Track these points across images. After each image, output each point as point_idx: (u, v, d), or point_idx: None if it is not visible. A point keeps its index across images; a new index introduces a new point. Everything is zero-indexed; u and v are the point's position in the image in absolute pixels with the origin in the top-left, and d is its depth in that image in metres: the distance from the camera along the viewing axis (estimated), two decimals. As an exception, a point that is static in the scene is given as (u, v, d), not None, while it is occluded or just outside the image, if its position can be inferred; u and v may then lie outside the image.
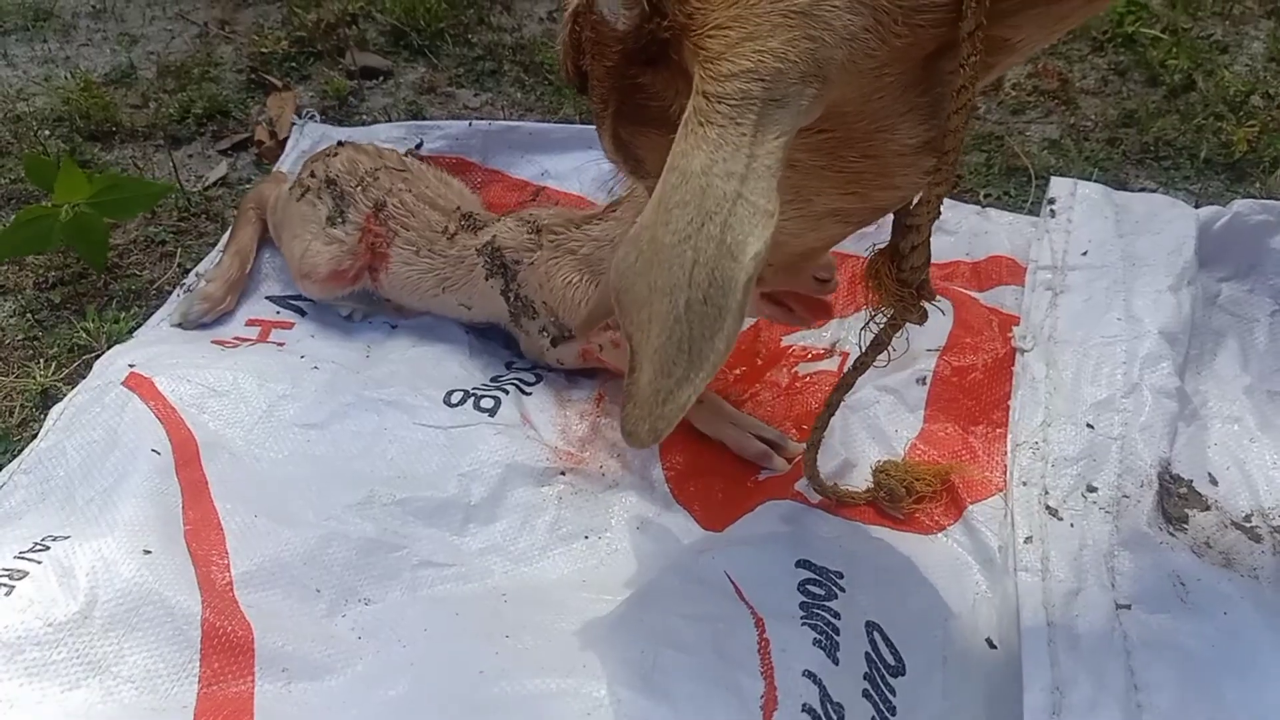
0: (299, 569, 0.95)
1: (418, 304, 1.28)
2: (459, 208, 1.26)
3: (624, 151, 0.73)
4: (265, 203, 1.37)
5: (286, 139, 1.61)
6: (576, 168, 1.48)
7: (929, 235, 0.79)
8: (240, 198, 1.54)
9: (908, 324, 0.87)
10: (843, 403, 1.12)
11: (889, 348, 0.90)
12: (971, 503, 1.02)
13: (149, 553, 0.90)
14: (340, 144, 1.35)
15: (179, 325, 1.28)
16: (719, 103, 0.58)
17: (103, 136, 1.69)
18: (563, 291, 1.17)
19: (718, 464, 1.12)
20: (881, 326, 0.88)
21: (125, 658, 0.84)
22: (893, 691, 0.83)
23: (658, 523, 1.06)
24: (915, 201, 0.76)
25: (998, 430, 1.09)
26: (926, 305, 0.84)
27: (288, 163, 1.54)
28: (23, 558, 0.87)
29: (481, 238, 1.21)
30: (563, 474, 1.10)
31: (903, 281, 0.81)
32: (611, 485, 1.10)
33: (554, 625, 0.88)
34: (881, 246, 0.82)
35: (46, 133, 1.67)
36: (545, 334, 1.20)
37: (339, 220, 1.26)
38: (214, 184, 1.59)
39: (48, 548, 0.89)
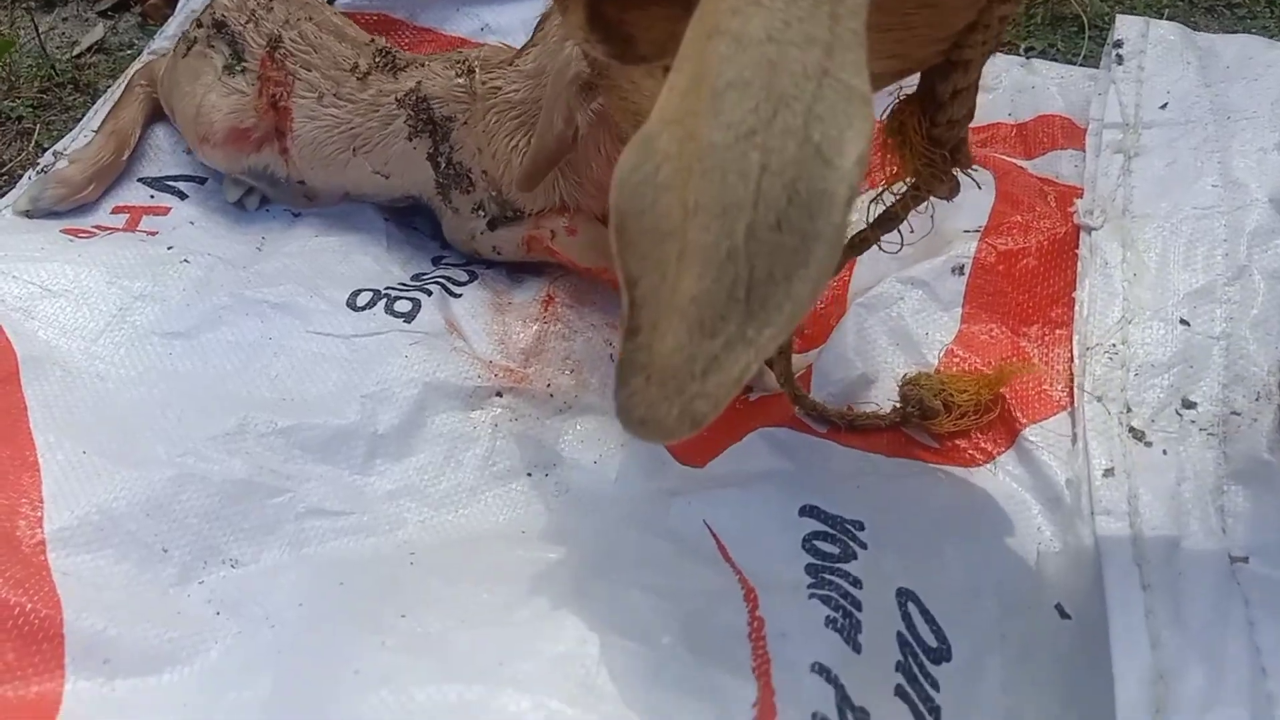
0: (140, 522, 0.72)
1: (328, 177, 1.01)
2: (373, 40, 0.99)
3: (605, 31, 0.52)
4: (156, 77, 1.11)
5: (177, -3, 1.32)
6: (524, 20, 1.20)
7: (979, 76, 0.57)
8: (118, 65, 1.26)
9: (932, 198, 0.65)
10: (855, 300, 0.88)
11: (898, 228, 0.67)
12: (1028, 424, 0.78)
13: (-79, 505, 0.66)
14: None
15: (25, 213, 1.02)
16: None
17: (-37, -3, 1.41)
18: (507, 156, 0.91)
19: (699, 379, 0.88)
20: (897, 197, 0.64)
21: (-123, 650, 0.61)
22: (935, 685, 0.60)
23: (620, 454, 0.83)
24: (966, 26, 0.54)
25: (1059, 330, 0.85)
26: (960, 175, 0.63)
27: (175, 25, 1.26)
28: None
29: (403, 83, 0.94)
30: (499, 395, 0.86)
31: (935, 140, 0.60)
32: (562, 409, 0.86)
33: (468, 601, 0.64)
34: (910, 93, 0.60)
35: (-105, -9, 1.39)
36: (481, 213, 0.94)
37: (237, 68, 0.99)
38: (87, 50, 1.31)
39: None
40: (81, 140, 1.11)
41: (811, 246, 0.40)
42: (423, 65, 0.95)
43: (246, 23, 1.00)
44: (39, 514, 0.70)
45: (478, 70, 0.91)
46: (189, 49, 1.03)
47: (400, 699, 0.53)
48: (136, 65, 1.17)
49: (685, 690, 0.53)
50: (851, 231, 0.70)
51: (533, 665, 0.55)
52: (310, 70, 0.97)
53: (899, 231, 0.68)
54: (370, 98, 0.95)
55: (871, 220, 0.68)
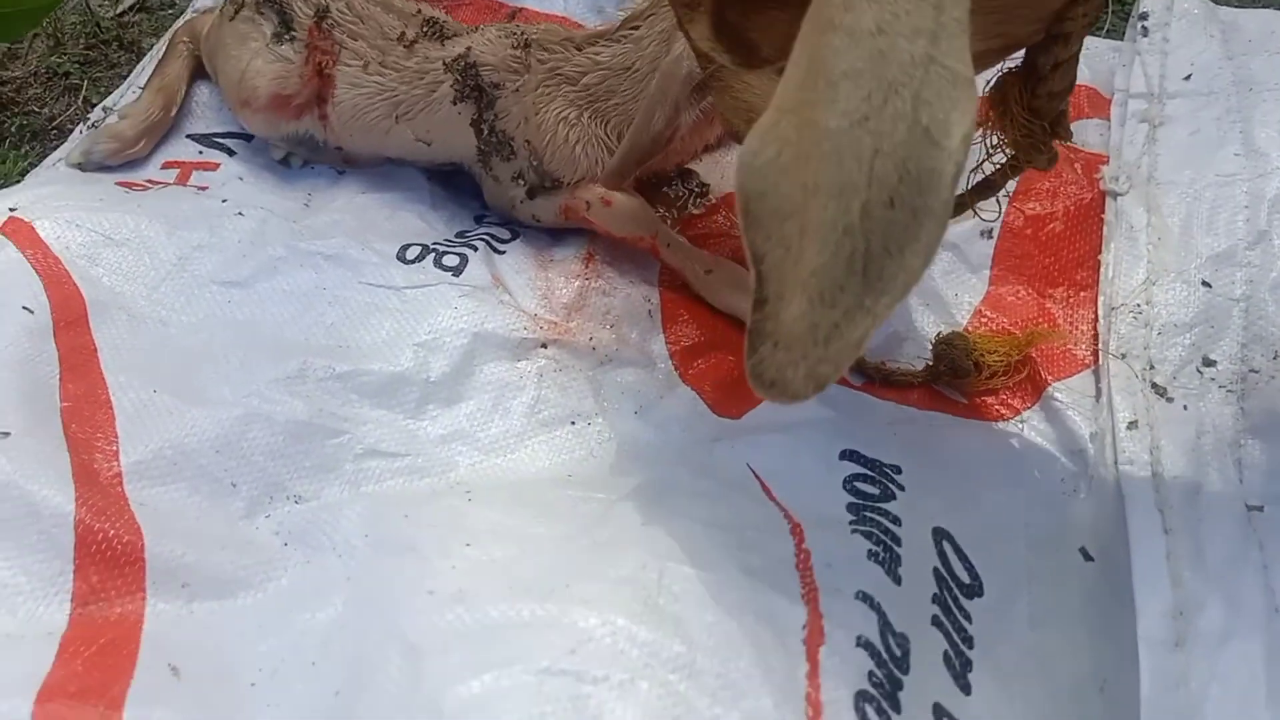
0: (210, 458, 0.75)
1: (368, 144, 1.04)
2: (420, 11, 1.01)
3: (729, 39, 0.56)
4: (200, 35, 1.13)
5: (219, -43, 1.34)
6: (562, -7, 1.23)
7: (1079, 49, 0.60)
8: (160, 24, 1.29)
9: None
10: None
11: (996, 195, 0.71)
12: (1054, 381, 0.82)
13: (8, 435, 0.70)
14: None
15: (78, 166, 1.05)
16: None
17: (2, -43, 1.43)
18: (554, 129, 0.93)
19: (732, 337, 0.92)
20: (997, 167, 0.67)
21: (-27, 569, 0.65)
22: (968, 617, 0.64)
23: (660, 406, 0.86)
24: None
25: (1083, 293, 0.88)
26: (1060, 146, 0.66)
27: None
28: None
29: (451, 49, 0.97)
30: (544, 346, 0.89)
31: (1035, 111, 0.63)
32: (603, 361, 0.90)
33: (529, 531, 0.68)
34: (1013, 67, 0.63)
35: (-67, -51, 1.40)
36: (521, 182, 0.97)
37: (285, 37, 1.02)
38: (130, 8, 1.33)
39: (-128, 428, 0.68)
40: (130, 96, 1.14)
41: (922, 221, 0.43)
42: (473, 33, 0.98)
43: None
44: (114, 448, 0.74)
45: (534, 45, 0.93)
46: (237, 11, 1.05)
47: (475, 615, 0.57)
48: (180, 23, 1.19)
49: (741, 613, 0.57)
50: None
51: (597, 587, 0.58)
52: (356, 39, 0.99)
53: (995, 200, 0.71)
54: (416, 65, 0.97)
55: (970, 187, 0.71)
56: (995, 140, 0.67)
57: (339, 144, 1.04)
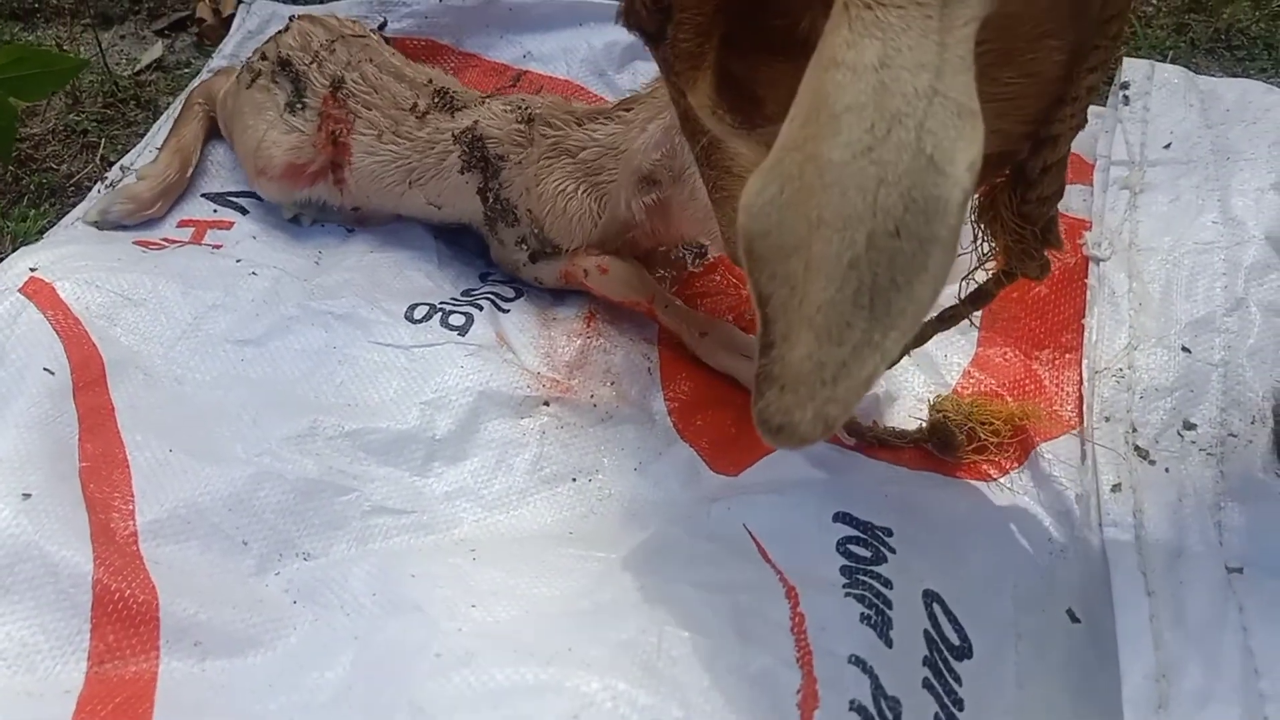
0: (222, 515, 0.78)
1: (384, 204, 1.08)
2: (431, 81, 1.05)
3: (732, 94, 0.56)
4: (215, 97, 1.17)
5: (231, 17, 1.39)
6: (564, 48, 1.27)
7: (1068, 152, 0.60)
8: (177, 83, 1.33)
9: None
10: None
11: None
12: (1041, 442, 0.84)
13: (29, 496, 0.72)
14: (292, 18, 1.14)
15: (95, 224, 1.08)
16: None
17: (24, 14, 1.47)
18: (552, 200, 0.97)
19: (729, 395, 0.94)
20: (990, 275, 0.70)
21: (-6, 628, 0.67)
22: (958, 679, 0.66)
23: (659, 462, 0.89)
24: (1054, 102, 0.58)
25: (1068, 355, 0.91)
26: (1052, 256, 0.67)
27: (231, 45, 1.33)
28: None
29: (460, 121, 1.01)
30: (546, 404, 0.92)
31: (1025, 217, 0.63)
32: (604, 418, 0.92)
33: (532, 592, 0.70)
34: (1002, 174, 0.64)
35: (-42, 10, 1.45)
36: (524, 246, 1.00)
37: (298, 106, 1.06)
38: (147, 67, 1.37)
39: (-103, 491, 0.71)
40: (147, 156, 1.17)
41: (929, 250, 0.43)
42: (481, 104, 1.02)
43: (310, 63, 1.06)
44: (130, 507, 0.77)
45: (536, 120, 0.98)
46: (253, 80, 1.09)
47: (481, 679, 0.59)
48: (195, 84, 1.23)
49: (738, 676, 0.59)
50: (944, 306, 0.76)
51: (599, 651, 0.60)
52: (371, 109, 1.03)
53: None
54: (427, 135, 1.01)
55: (964, 297, 0.74)
56: (987, 249, 0.68)
57: (355, 205, 1.07)
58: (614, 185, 0.93)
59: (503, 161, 0.99)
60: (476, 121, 1.00)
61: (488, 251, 1.09)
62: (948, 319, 0.76)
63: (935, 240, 0.43)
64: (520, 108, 1.00)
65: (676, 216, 0.92)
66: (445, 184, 1.02)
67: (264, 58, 1.10)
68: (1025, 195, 0.61)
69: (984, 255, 0.69)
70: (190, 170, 1.14)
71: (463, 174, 1.00)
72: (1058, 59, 0.52)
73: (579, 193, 0.95)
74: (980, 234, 0.67)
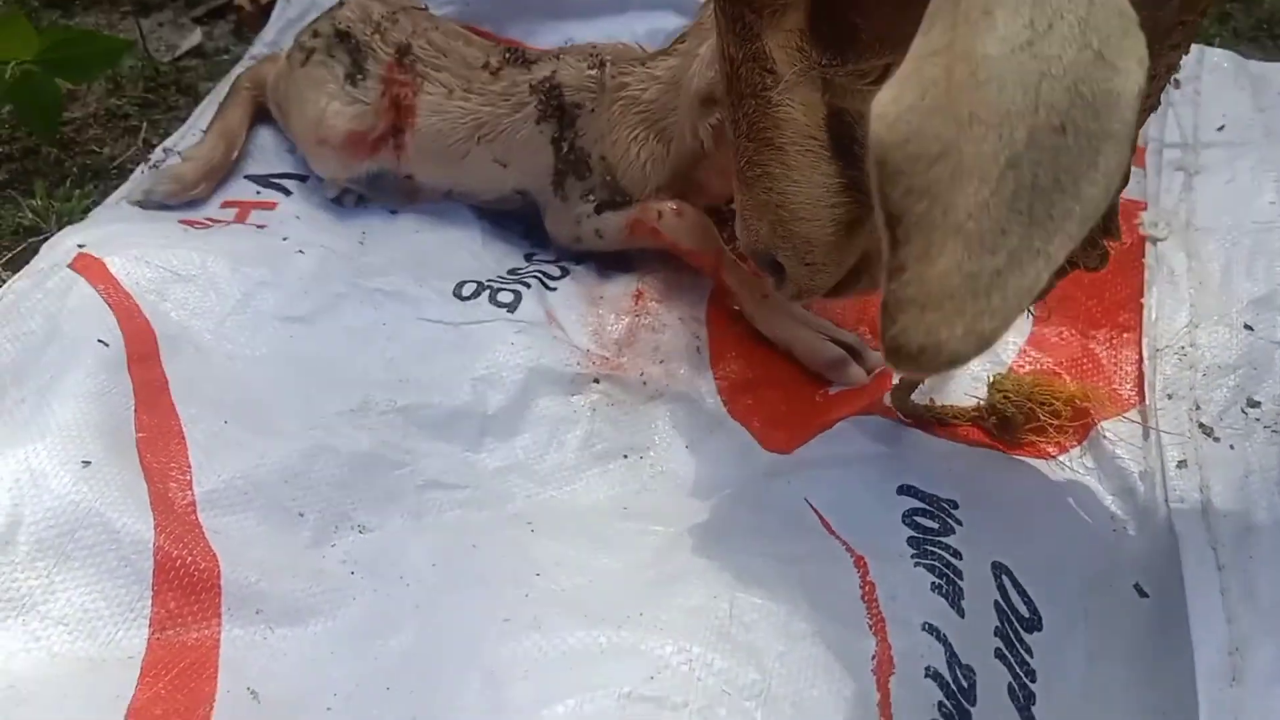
0: (278, 488, 0.77)
1: (442, 171, 1.07)
2: (498, 43, 1.05)
3: (826, 27, 0.53)
4: (263, 82, 1.17)
5: (271, 5, 1.39)
6: (607, 35, 1.25)
7: (1137, 138, 0.56)
8: (216, 69, 1.33)
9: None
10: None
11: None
12: (1101, 420, 0.83)
13: (89, 464, 0.72)
14: (343, 1, 1.14)
15: (139, 204, 1.08)
16: None
17: (63, 2, 1.48)
18: (626, 146, 0.97)
19: (777, 374, 0.94)
20: None
21: (56, 594, 0.66)
22: (1029, 651, 0.65)
23: (710, 441, 0.88)
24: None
25: (1125, 334, 0.90)
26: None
27: (272, 33, 1.33)
28: (-72, 468, 0.69)
29: (536, 73, 1.01)
30: (596, 381, 0.91)
31: None
32: (654, 396, 0.92)
33: (594, 563, 0.70)
34: None
35: (-2, -4, 1.46)
36: (590, 198, 0.99)
37: (359, 76, 1.05)
38: (186, 54, 1.38)
39: (-40, 456, 0.70)
40: (190, 140, 1.17)
41: (1100, 146, 0.40)
42: (556, 57, 1.02)
43: (372, 33, 1.06)
44: (188, 477, 0.76)
45: (609, 64, 0.98)
46: (308, 58, 1.09)
47: (553, 642, 0.58)
48: (239, 69, 1.23)
49: (811, 642, 0.58)
50: None
51: (670, 615, 0.60)
52: (440, 70, 1.03)
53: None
54: (502, 89, 1.01)
55: None
56: None
57: (411, 172, 1.07)
58: (677, 119, 0.92)
59: (578, 109, 0.98)
60: (554, 71, 1.00)
61: (532, 233, 1.08)
62: None
63: (1108, 135, 0.40)
64: (592, 55, 1.00)
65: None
66: (517, 137, 1.01)
67: (316, 35, 1.09)
68: None
69: None
70: (235, 153, 1.14)
71: (539, 124, 1.00)
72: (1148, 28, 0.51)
73: (650, 138, 0.95)
74: None
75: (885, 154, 0.43)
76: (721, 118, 0.85)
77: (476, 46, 1.05)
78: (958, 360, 0.41)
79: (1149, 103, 0.55)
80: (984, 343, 0.41)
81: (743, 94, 0.62)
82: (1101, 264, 0.66)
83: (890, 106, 0.43)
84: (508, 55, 1.03)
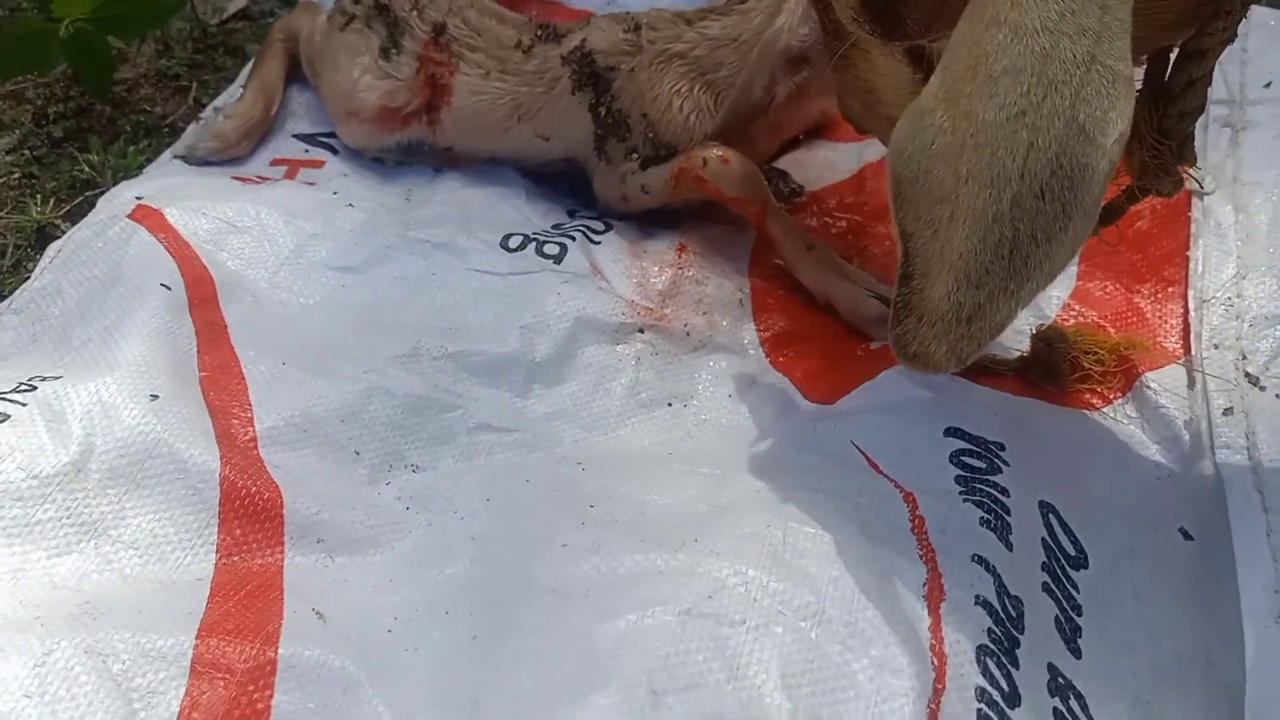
0: (335, 426, 0.79)
1: (483, 145, 1.08)
2: (531, 18, 1.06)
3: (875, 9, 0.58)
4: (296, 34, 1.18)
5: (314, -31, 1.41)
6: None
7: (1213, 67, 0.61)
8: (263, 31, 1.35)
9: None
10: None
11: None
12: (1145, 371, 0.84)
13: (156, 397, 0.74)
14: None
15: (183, 158, 1.10)
16: None
17: (110, -32, 1.50)
18: (668, 100, 0.98)
19: (820, 327, 0.95)
20: (1122, 191, 0.70)
21: (127, 519, 0.69)
22: (1075, 587, 0.66)
23: (753, 390, 0.89)
24: (1208, 15, 0.57)
25: (1170, 288, 0.90)
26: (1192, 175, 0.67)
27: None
28: (3, 399, 0.72)
29: (566, 45, 1.02)
30: (641, 331, 0.93)
31: (1163, 132, 0.63)
32: (698, 346, 0.93)
33: (646, 499, 0.71)
34: (1140, 89, 0.63)
35: (46, -38, 1.48)
36: (634, 156, 1.00)
37: (393, 51, 1.07)
38: (232, 17, 1.40)
39: (34, 388, 0.73)
40: (232, 96, 1.19)
41: (1071, 214, 0.46)
42: (586, 25, 1.03)
43: (411, 10, 1.07)
44: (249, 414, 0.78)
45: (644, 27, 0.98)
46: (347, 23, 1.10)
47: (610, 564, 0.60)
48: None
49: (864, 569, 0.60)
50: None
51: (725, 541, 0.61)
52: (475, 51, 1.04)
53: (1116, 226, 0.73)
54: (535, 67, 1.02)
55: None
56: (1119, 165, 0.68)
57: (450, 145, 1.08)
58: (735, 75, 0.93)
59: (613, 73, 0.99)
60: (584, 39, 1.01)
61: (576, 192, 1.10)
62: None
63: (1078, 205, 0.46)
64: (625, 19, 1.01)
65: (810, 98, 0.92)
66: (555, 111, 1.02)
67: (357, 1, 1.11)
68: (1167, 110, 0.62)
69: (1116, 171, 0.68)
70: (275, 108, 1.15)
71: (574, 94, 1.01)
72: None
73: (694, 91, 0.96)
74: None
75: (899, 185, 0.51)
76: (808, 75, 0.86)
77: (510, 24, 1.06)
78: (941, 370, 0.51)
79: (1225, 36, 0.58)
80: (961, 361, 0.50)
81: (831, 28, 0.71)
82: (1175, 189, 0.67)
83: (906, 144, 0.51)
84: (539, 32, 1.04)
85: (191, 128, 1.16)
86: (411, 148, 1.10)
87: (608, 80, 0.99)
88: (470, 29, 1.05)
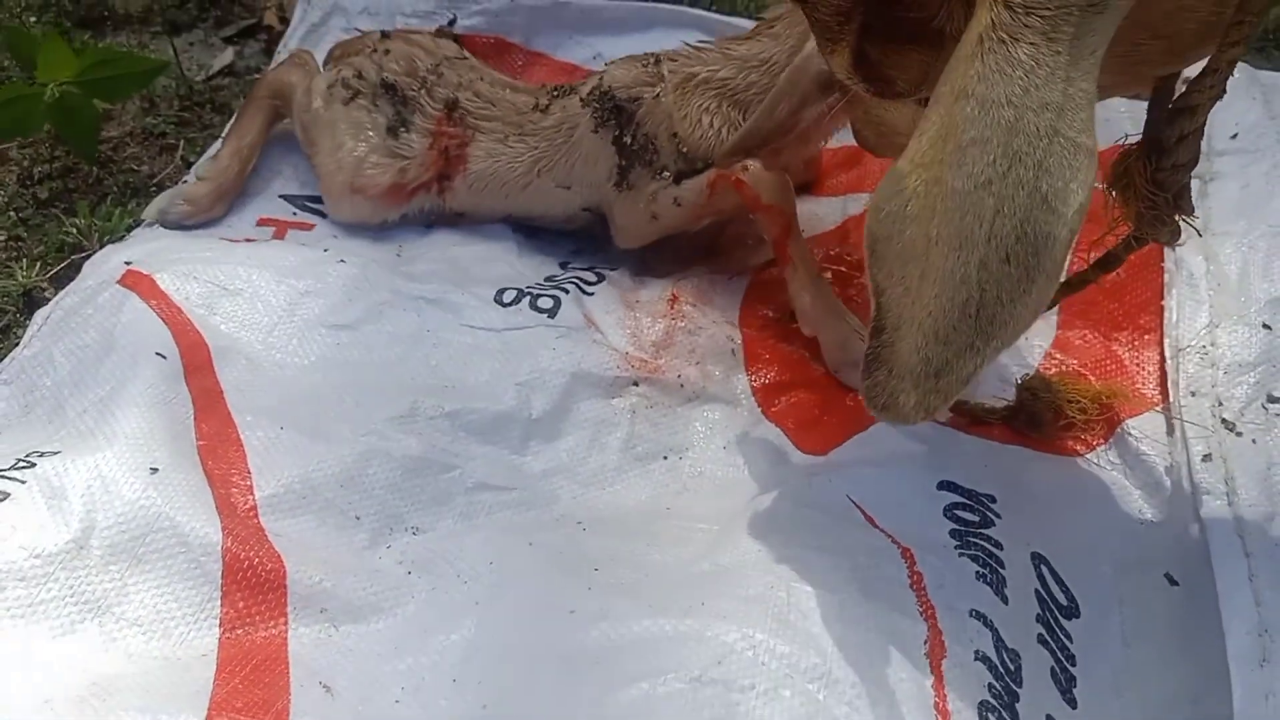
0: (334, 492, 0.80)
1: (499, 205, 1.09)
2: (543, 85, 1.09)
3: (866, 71, 0.61)
4: (285, 93, 1.16)
5: (296, 18, 1.42)
6: (633, 50, 1.29)
7: (1204, 122, 0.64)
8: (248, 88, 1.35)
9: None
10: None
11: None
12: (1126, 418, 0.86)
13: (156, 470, 0.75)
14: (385, 35, 1.16)
15: (155, 224, 1.09)
16: (1029, 14, 0.48)
17: (94, 23, 1.51)
18: (697, 117, 1.00)
19: (811, 376, 0.96)
20: (1120, 241, 0.72)
21: (130, 596, 0.69)
22: (1069, 637, 0.68)
23: (746, 442, 0.91)
24: (1197, 74, 0.61)
25: (1146, 336, 0.93)
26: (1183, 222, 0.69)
27: (295, 39, 1.35)
28: (2, 476, 0.72)
29: (584, 90, 1.04)
30: (635, 384, 0.94)
31: (1158, 184, 0.66)
32: (691, 398, 0.94)
33: (648, 558, 0.72)
34: (1135, 139, 0.67)
35: (33, 19, 1.48)
36: (665, 174, 1.01)
37: (402, 129, 1.07)
38: (218, 73, 1.41)
39: (33, 464, 0.73)
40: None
41: (1035, 278, 0.49)
42: (602, 71, 1.06)
43: (419, 89, 1.08)
44: (248, 483, 0.79)
45: (663, 60, 1.02)
46: (352, 98, 1.09)
47: (620, 630, 0.61)
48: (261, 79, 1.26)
49: (867, 628, 0.61)
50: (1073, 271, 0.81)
51: (731, 604, 0.62)
52: (491, 120, 1.06)
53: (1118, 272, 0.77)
54: (554, 121, 1.04)
55: (1093, 262, 0.76)
56: (1117, 215, 0.71)
57: (462, 209, 1.10)
58: (766, 94, 0.94)
59: (636, 103, 1.01)
60: (601, 78, 1.03)
61: (567, 241, 1.11)
62: (1076, 284, 0.79)
63: (1042, 271, 0.49)
64: (642, 57, 1.04)
65: (837, 117, 0.94)
66: (576, 156, 1.04)
67: (360, 77, 1.10)
68: (1160, 163, 0.64)
69: (1114, 221, 0.71)
70: (249, 168, 1.15)
71: (595, 132, 1.02)
72: (1192, 28, 0.54)
73: (723, 108, 0.98)
74: (1112, 200, 0.70)
75: (874, 243, 0.54)
76: (836, 100, 0.88)
77: (524, 92, 1.08)
78: (909, 422, 0.53)
79: (1214, 93, 0.61)
80: (929, 413, 0.52)
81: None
82: (1173, 239, 0.70)
83: (883, 204, 0.54)
84: (555, 92, 1.07)
85: (163, 194, 1.14)
86: (412, 216, 1.11)
87: (630, 111, 1.01)
88: (484, 100, 1.07)
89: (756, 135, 0.92)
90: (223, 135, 1.24)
